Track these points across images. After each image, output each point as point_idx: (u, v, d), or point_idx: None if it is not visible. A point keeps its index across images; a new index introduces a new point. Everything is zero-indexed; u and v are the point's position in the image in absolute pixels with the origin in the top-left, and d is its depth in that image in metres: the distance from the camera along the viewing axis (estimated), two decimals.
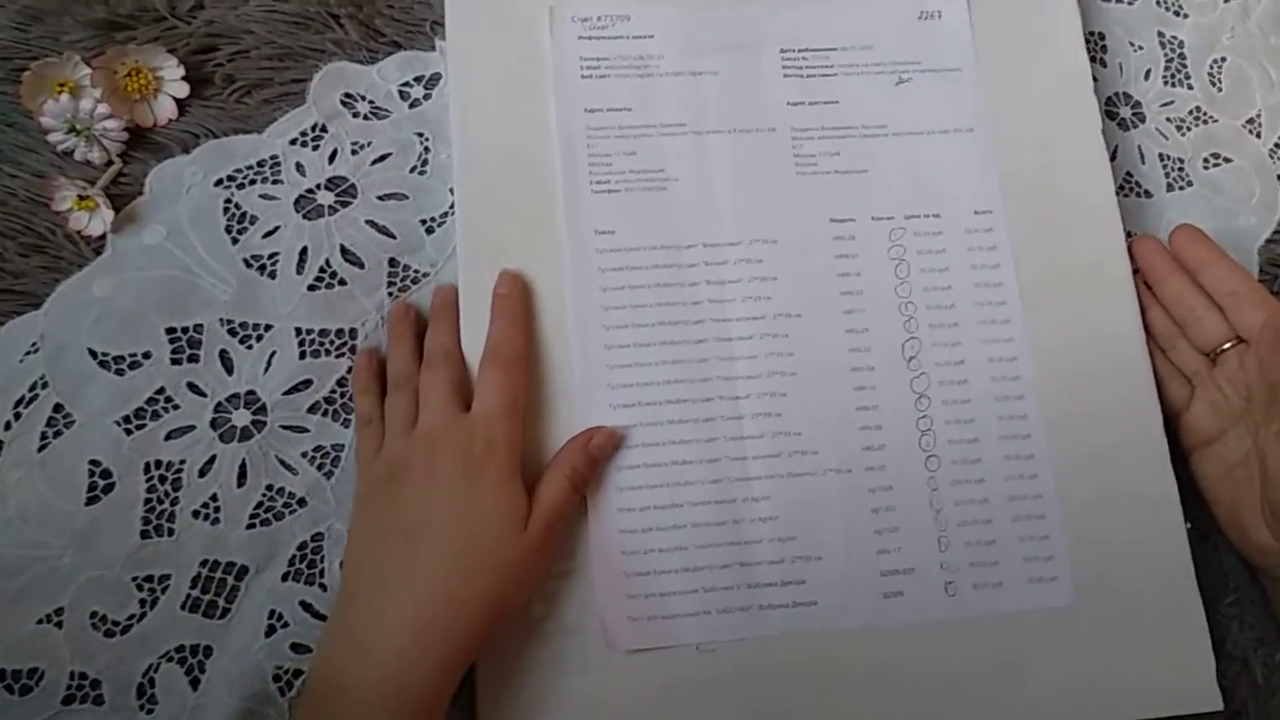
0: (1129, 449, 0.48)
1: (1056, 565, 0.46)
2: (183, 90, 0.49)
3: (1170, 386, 0.49)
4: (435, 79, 0.52)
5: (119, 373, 0.45)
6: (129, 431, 0.44)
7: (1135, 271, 0.51)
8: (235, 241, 0.48)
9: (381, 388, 0.46)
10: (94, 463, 0.44)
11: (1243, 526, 0.46)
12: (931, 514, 0.47)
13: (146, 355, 0.46)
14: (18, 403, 0.44)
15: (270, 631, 0.43)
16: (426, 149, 0.51)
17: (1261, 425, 0.45)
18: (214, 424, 0.45)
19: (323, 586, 0.44)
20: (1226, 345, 0.48)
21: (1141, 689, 0.45)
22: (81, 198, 0.46)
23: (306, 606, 0.44)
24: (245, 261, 0.47)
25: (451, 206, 0.49)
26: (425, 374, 0.45)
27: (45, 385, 0.45)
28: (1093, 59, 0.57)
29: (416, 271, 0.49)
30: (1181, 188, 0.56)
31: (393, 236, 0.49)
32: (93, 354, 0.45)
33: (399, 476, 0.42)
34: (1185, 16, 0.59)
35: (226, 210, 0.48)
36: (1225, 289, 0.48)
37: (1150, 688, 0.45)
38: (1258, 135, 0.58)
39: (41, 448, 0.44)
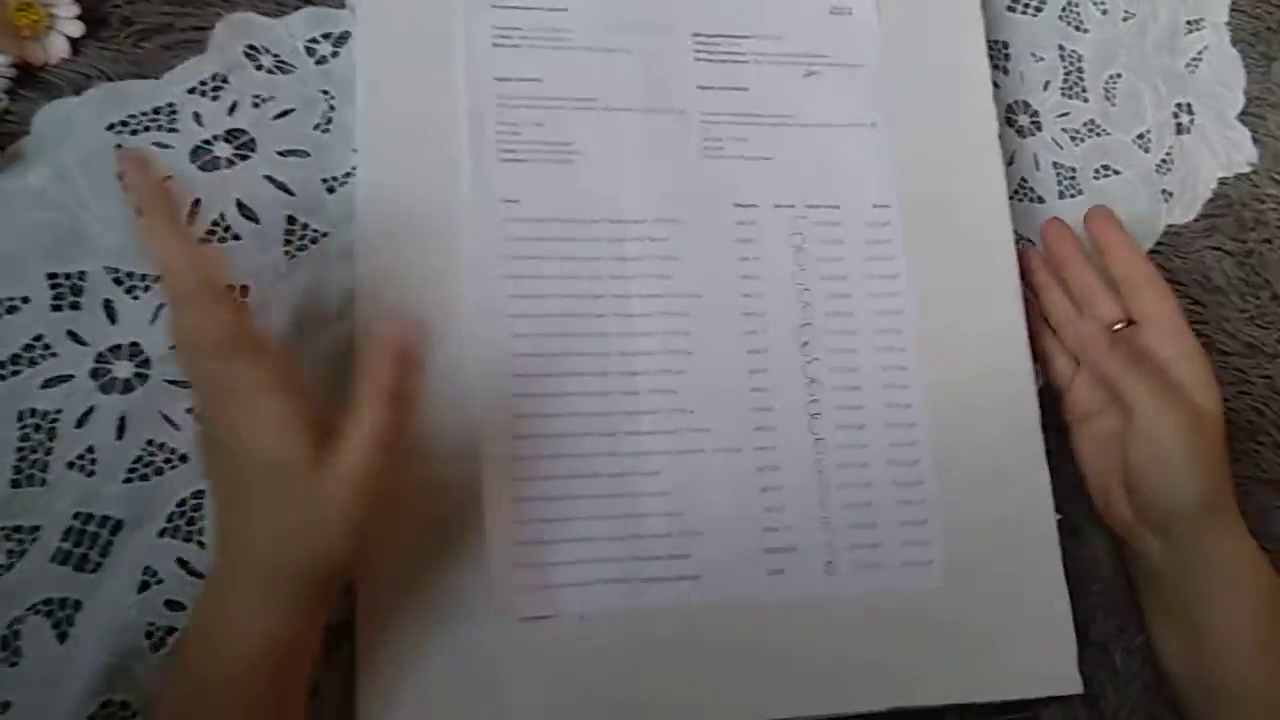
0: (1006, 440, 0.50)
1: (931, 549, 0.48)
2: (77, 29, 0.47)
3: (1057, 363, 0.52)
4: (344, 37, 0.51)
5: None
6: (3, 378, 0.43)
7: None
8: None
9: None
10: None
11: (1108, 498, 0.49)
12: (817, 494, 0.48)
13: (25, 300, 0.44)
14: None
15: (144, 587, 0.42)
16: (332, 107, 0.50)
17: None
18: (94, 374, 0.44)
19: (200, 544, 0.43)
20: (1118, 325, 0.50)
21: (1006, 671, 0.47)
22: None
23: (183, 563, 0.43)
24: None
25: (354, 167, 0.48)
26: None
27: None
28: (995, 66, 0.59)
29: (315, 231, 0.48)
30: (1072, 195, 0.59)
31: (291, 194, 0.48)
32: None
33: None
34: (1085, 32, 0.62)
35: None
36: (1125, 271, 0.50)
37: (1014, 671, 0.47)
38: (1146, 150, 0.61)
39: None
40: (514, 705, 0.43)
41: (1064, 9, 0.62)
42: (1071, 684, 0.48)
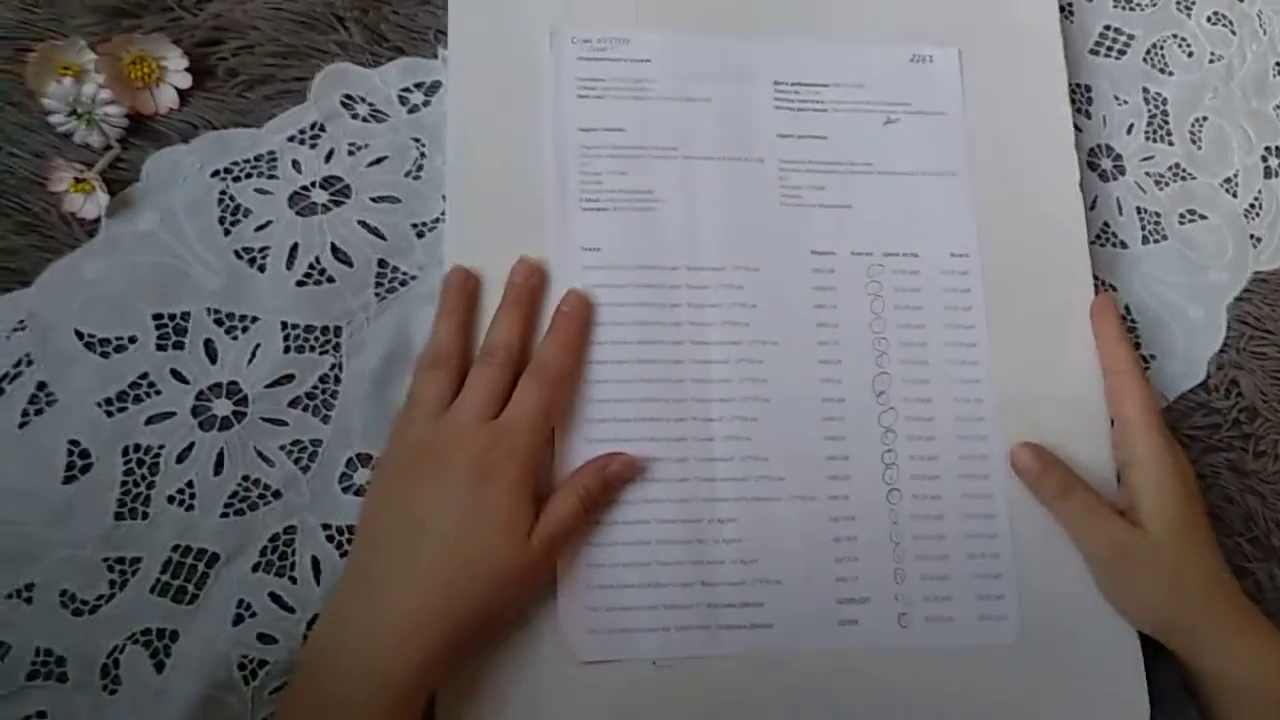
0: None
1: (1006, 604, 0.48)
2: (185, 81, 0.50)
3: None
4: (435, 86, 0.53)
5: (104, 355, 0.46)
6: (110, 414, 0.45)
7: None
8: (228, 233, 0.48)
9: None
10: (73, 442, 0.45)
11: None
12: (890, 546, 0.48)
13: (132, 340, 0.46)
14: (2, 378, 0.45)
15: (238, 620, 0.44)
16: (423, 154, 0.52)
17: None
18: (194, 411, 0.46)
19: (292, 579, 0.45)
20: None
21: None
22: (78, 180, 0.47)
23: (275, 598, 0.44)
24: (236, 253, 0.48)
25: (443, 213, 0.50)
26: (481, 365, 0.45)
27: (30, 363, 0.45)
28: (1078, 110, 0.58)
29: (405, 274, 0.50)
30: (1156, 241, 0.58)
31: (383, 238, 0.50)
32: (79, 335, 0.46)
33: (417, 463, 0.43)
34: (1170, 74, 0.61)
35: (221, 202, 0.49)
36: (1108, 365, 0.51)
37: None
38: (1234, 195, 0.60)
39: (22, 424, 0.45)
40: None
41: (1149, 52, 0.61)
42: None
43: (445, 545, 0.41)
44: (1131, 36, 0.61)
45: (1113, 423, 0.50)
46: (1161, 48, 0.61)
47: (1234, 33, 0.62)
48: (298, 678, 0.40)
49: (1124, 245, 0.57)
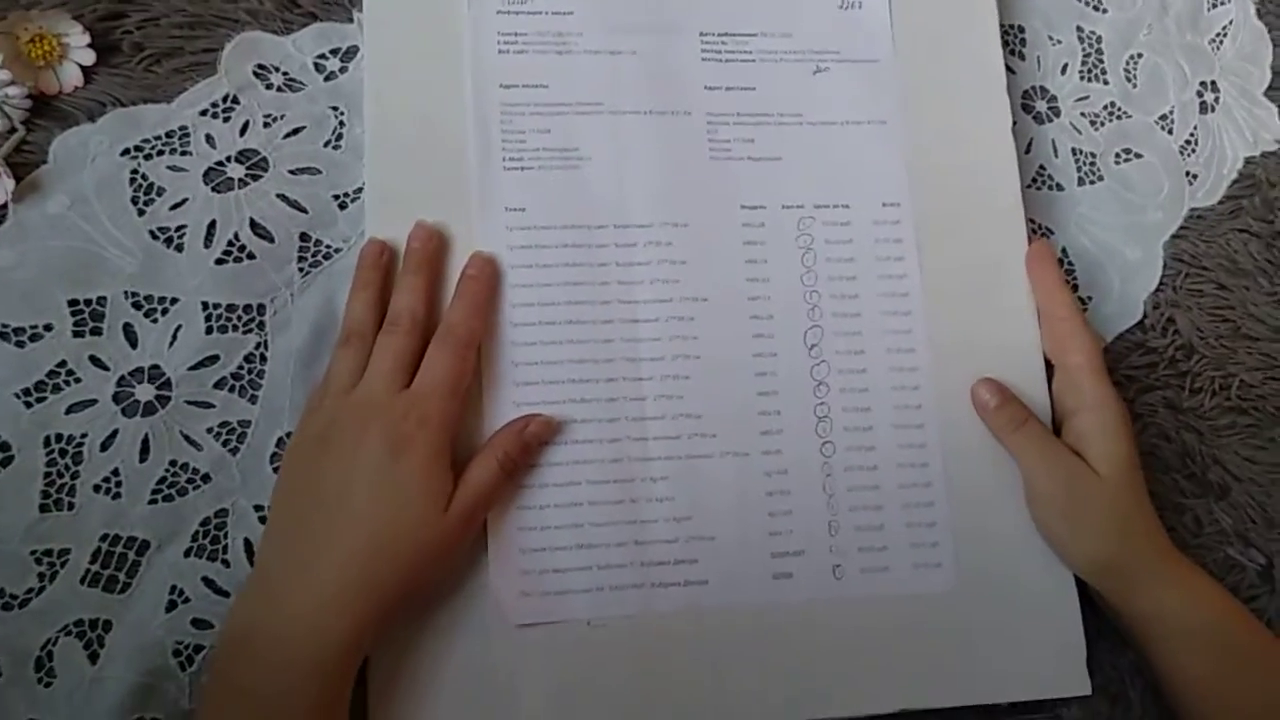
0: None
1: (941, 551, 0.48)
2: (89, 57, 0.48)
3: None
4: (352, 52, 0.52)
5: (19, 344, 0.45)
6: (29, 405, 0.44)
7: None
8: (142, 213, 0.47)
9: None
10: None
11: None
12: (824, 498, 0.48)
13: (48, 327, 0.45)
14: None
15: (171, 607, 0.44)
16: (342, 123, 0.51)
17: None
18: (116, 398, 0.45)
19: (225, 563, 0.45)
20: None
21: (1015, 673, 0.47)
22: None
23: (209, 582, 0.44)
24: (151, 233, 0.47)
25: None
26: (386, 335, 0.44)
27: None
28: (1011, 52, 0.58)
29: (329, 247, 0.49)
30: (1092, 182, 0.58)
31: (305, 211, 0.49)
32: None
33: (329, 439, 0.42)
34: (1104, 11, 0.60)
35: (133, 181, 0.48)
36: (1048, 312, 0.51)
37: (1024, 672, 0.47)
38: (1169, 132, 0.60)
39: None
40: (523, 712, 0.44)
41: None
42: (1080, 684, 0.48)
43: (363, 520, 0.40)
44: None
45: (1050, 369, 0.50)
46: None
47: None
48: (218, 664, 0.40)
49: (1060, 187, 0.57)
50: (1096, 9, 0.60)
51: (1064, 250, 0.56)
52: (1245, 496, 0.54)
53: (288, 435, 0.46)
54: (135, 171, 0.48)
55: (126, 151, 0.48)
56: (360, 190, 0.50)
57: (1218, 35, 0.62)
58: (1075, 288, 0.56)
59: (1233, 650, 0.46)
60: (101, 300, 0.46)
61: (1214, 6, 0.62)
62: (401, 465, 0.41)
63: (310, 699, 0.38)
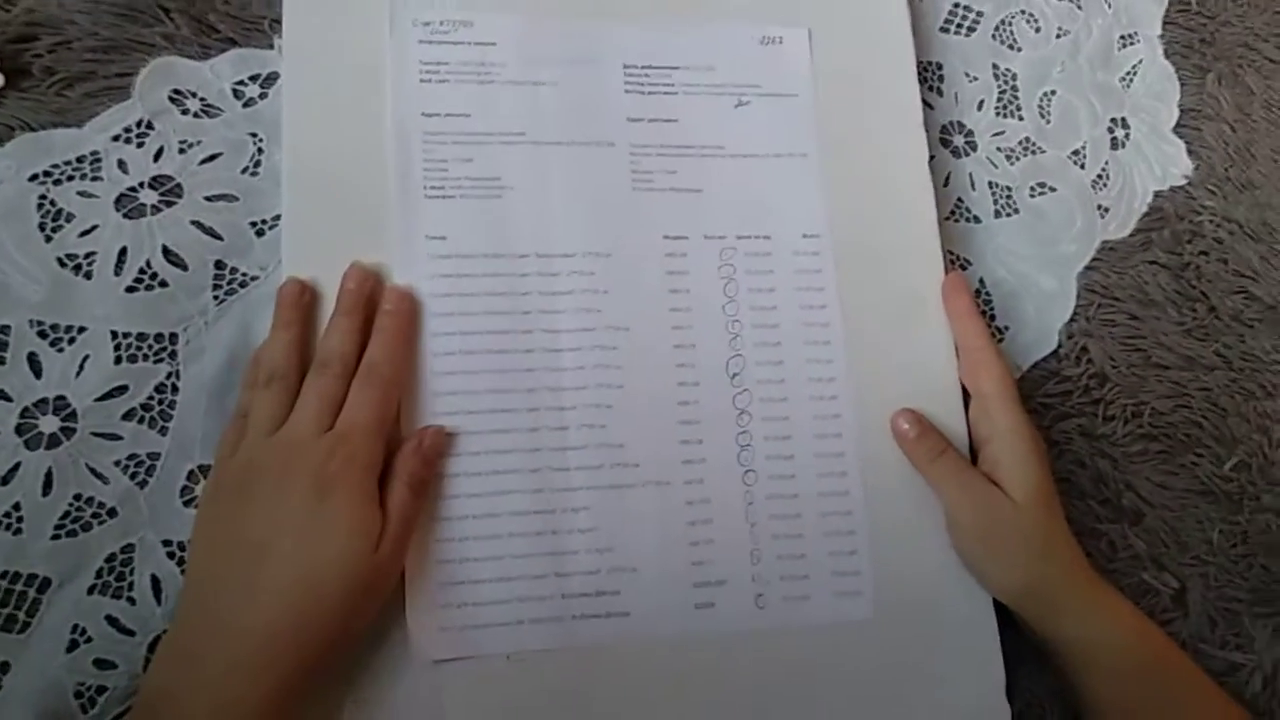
0: None
1: (861, 580, 0.49)
2: None
3: None
4: (272, 78, 0.51)
5: None
6: None
7: None
8: (49, 239, 0.46)
9: None
10: None
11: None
12: (746, 527, 0.48)
13: None
14: None
15: (73, 646, 0.42)
16: (260, 150, 0.50)
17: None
18: (19, 430, 0.44)
19: (131, 600, 0.43)
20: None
21: (935, 701, 0.48)
22: None
23: (112, 621, 0.43)
24: (59, 260, 0.46)
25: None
26: (315, 377, 0.43)
27: None
28: (929, 88, 0.59)
29: (244, 275, 0.48)
30: (1009, 214, 0.59)
31: (220, 238, 0.48)
32: None
33: (251, 483, 0.41)
34: (1019, 50, 0.62)
35: (41, 207, 0.46)
36: (963, 343, 0.52)
37: (943, 701, 0.48)
38: (1082, 166, 0.61)
39: None
40: None
41: (997, 28, 0.62)
42: (1001, 713, 0.48)
43: (290, 565, 0.39)
44: (980, 13, 0.62)
45: (967, 398, 0.51)
46: (1010, 23, 0.62)
47: (1080, 7, 0.64)
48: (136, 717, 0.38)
49: (977, 220, 0.58)
50: (1011, 47, 0.62)
51: (981, 281, 0.57)
52: (1158, 522, 0.55)
53: (199, 468, 0.45)
54: (43, 197, 0.47)
55: (34, 177, 0.47)
56: (278, 217, 0.49)
57: (1128, 74, 0.64)
58: (993, 318, 0.57)
59: (1150, 676, 0.46)
60: (5, 329, 0.45)
61: (1124, 46, 0.64)
62: (329, 506, 0.40)
63: None
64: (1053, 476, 0.49)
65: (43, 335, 0.45)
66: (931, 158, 0.55)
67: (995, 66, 0.61)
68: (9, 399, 0.44)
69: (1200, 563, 0.55)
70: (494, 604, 0.45)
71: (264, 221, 0.49)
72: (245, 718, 0.37)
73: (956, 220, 0.58)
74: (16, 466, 0.44)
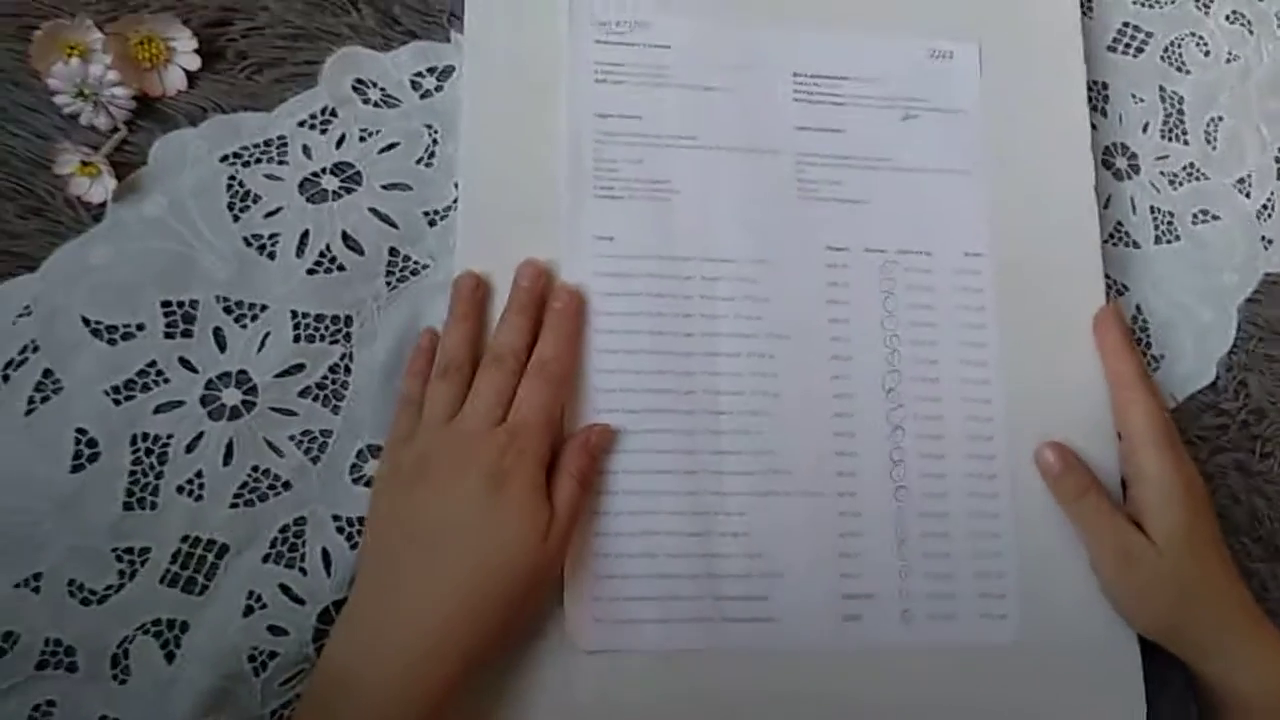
0: None
1: (1008, 603, 0.48)
2: (194, 62, 0.49)
3: None
4: (448, 71, 0.52)
5: (111, 342, 0.45)
6: (117, 402, 0.45)
7: None
8: (236, 219, 0.48)
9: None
10: (80, 430, 0.44)
11: None
12: (895, 542, 0.48)
13: (140, 327, 0.46)
14: (7, 365, 0.44)
15: (248, 612, 0.44)
16: (435, 141, 0.51)
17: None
18: (203, 401, 0.46)
19: (303, 570, 0.45)
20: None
21: None
22: (84, 163, 0.46)
23: (285, 589, 0.44)
24: (245, 240, 0.48)
25: (455, 201, 0.49)
26: (489, 370, 0.44)
27: (36, 349, 0.45)
28: (1094, 108, 0.58)
29: (416, 263, 0.49)
30: (1169, 241, 0.58)
31: (395, 226, 0.49)
32: (86, 321, 0.45)
33: (427, 472, 0.42)
34: (1187, 73, 0.61)
35: (230, 187, 0.48)
36: (1114, 379, 0.50)
37: None
38: (1247, 195, 0.60)
39: (29, 411, 0.44)
40: None
41: (1166, 50, 0.61)
42: None
43: (466, 556, 0.40)
44: (1149, 34, 0.61)
45: (1120, 434, 0.50)
46: (1179, 46, 0.61)
47: (1251, 32, 0.62)
48: (317, 693, 0.39)
49: (1136, 245, 0.57)
50: (1179, 70, 0.61)
51: (1138, 307, 0.56)
52: None
53: (369, 447, 0.47)
54: (232, 178, 0.48)
55: (225, 158, 0.48)
56: (449, 208, 0.50)
57: None
58: (1148, 346, 0.56)
59: None
60: (194, 303, 0.46)
61: None
62: (502, 498, 0.41)
63: None
64: (1211, 517, 0.48)
65: (228, 311, 0.47)
66: (1094, 180, 0.54)
67: (1162, 89, 0.60)
68: (195, 370, 0.46)
69: None
70: (647, 600, 0.46)
71: (436, 212, 0.50)
72: (427, 697, 0.38)
73: (1115, 244, 0.57)
74: (200, 436, 0.45)
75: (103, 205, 0.47)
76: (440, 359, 0.45)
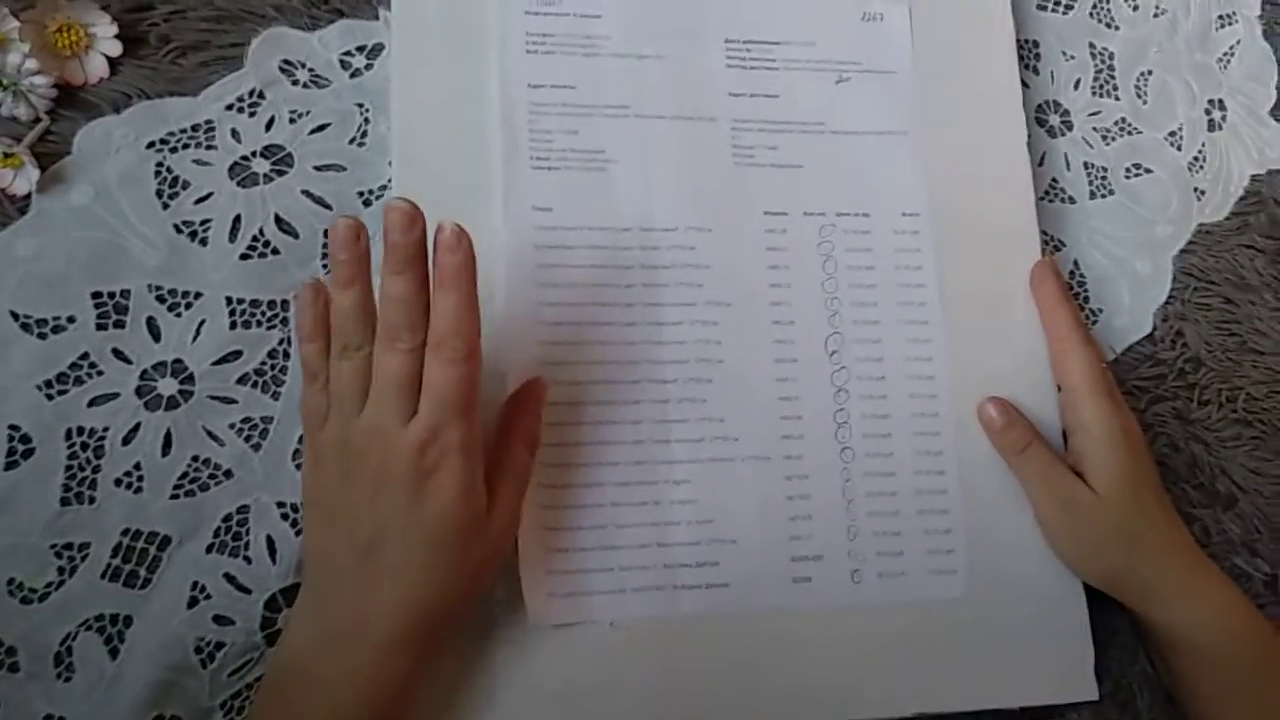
0: None
1: (955, 558, 0.49)
2: (115, 49, 0.48)
3: None
4: (378, 49, 0.51)
5: (41, 336, 0.44)
6: (50, 397, 0.44)
7: None
8: (166, 206, 0.47)
9: (327, 333, 0.41)
10: (13, 427, 0.43)
11: None
12: (843, 503, 0.49)
13: (71, 319, 0.45)
14: None
15: (193, 603, 0.43)
16: (366, 120, 0.50)
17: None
18: (139, 392, 0.45)
19: (247, 559, 0.44)
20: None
21: (1025, 678, 0.48)
22: (6, 155, 0.45)
23: (230, 579, 0.44)
24: (176, 227, 0.47)
25: (390, 180, 0.49)
26: (385, 356, 0.39)
27: None
28: (1026, 66, 0.58)
29: None
30: (1103, 196, 0.58)
31: (329, 207, 0.49)
32: (14, 316, 0.44)
33: (349, 469, 0.39)
34: (1116, 29, 0.61)
35: (158, 174, 0.47)
36: (1050, 332, 0.51)
37: (1033, 677, 0.48)
38: (1178, 148, 0.60)
39: None
40: (544, 712, 0.44)
41: (1094, 7, 0.61)
42: (1088, 690, 0.48)
43: (409, 557, 0.39)
44: None
45: (1059, 387, 0.51)
46: (1108, 2, 0.62)
47: None
48: (276, 684, 0.39)
49: (1072, 200, 0.58)
50: (1109, 26, 0.61)
51: (1075, 262, 0.57)
52: (1251, 507, 0.55)
53: None
54: (160, 164, 0.47)
55: (152, 144, 0.48)
56: (384, 187, 0.50)
57: (1225, 55, 0.63)
58: (1086, 300, 0.56)
59: (1245, 667, 0.46)
60: (125, 293, 0.46)
61: (1222, 26, 0.63)
62: (431, 502, 0.39)
63: None
64: (1151, 464, 0.49)
65: (161, 300, 0.46)
66: (1027, 137, 0.55)
67: (1092, 45, 0.61)
68: (129, 361, 0.45)
69: None
70: (599, 572, 0.46)
71: (370, 192, 0.50)
72: (383, 693, 0.38)
73: (1051, 200, 0.57)
74: (137, 427, 0.45)
75: (27, 197, 0.46)
76: (337, 336, 0.40)
